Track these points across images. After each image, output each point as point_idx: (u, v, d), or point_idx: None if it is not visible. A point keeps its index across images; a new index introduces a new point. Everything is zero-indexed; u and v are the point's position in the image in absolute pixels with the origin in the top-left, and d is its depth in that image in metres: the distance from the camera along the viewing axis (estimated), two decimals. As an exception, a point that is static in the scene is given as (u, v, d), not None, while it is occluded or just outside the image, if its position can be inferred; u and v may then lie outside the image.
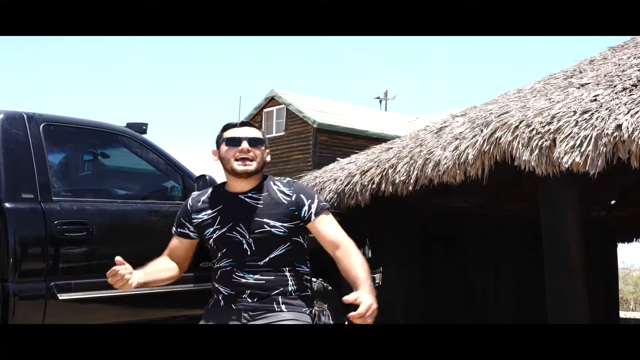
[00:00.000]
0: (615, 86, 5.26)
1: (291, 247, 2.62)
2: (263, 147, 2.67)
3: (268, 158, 2.71)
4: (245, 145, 2.61)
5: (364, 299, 2.41)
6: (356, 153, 7.65)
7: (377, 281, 4.96)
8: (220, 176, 3.26)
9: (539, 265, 6.06)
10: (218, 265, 2.66)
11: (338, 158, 8.15)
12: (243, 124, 2.69)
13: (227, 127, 2.69)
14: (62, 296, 3.52)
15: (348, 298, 2.43)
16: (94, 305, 3.71)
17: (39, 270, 3.50)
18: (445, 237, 8.31)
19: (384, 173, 6.28)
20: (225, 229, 2.61)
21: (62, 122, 3.92)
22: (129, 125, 4.27)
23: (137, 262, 3.84)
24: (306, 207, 2.62)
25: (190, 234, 2.74)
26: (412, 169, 5.92)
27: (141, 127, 4.29)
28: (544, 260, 5.62)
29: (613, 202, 8.95)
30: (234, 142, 2.63)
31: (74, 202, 3.72)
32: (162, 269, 2.69)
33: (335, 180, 7.01)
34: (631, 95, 4.94)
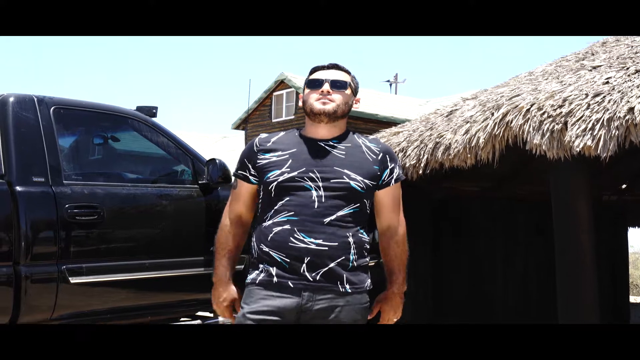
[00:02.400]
0: (627, 68, 5.21)
1: (359, 209, 2.41)
2: (348, 92, 2.47)
3: (356, 106, 2.53)
4: (326, 87, 2.43)
5: (384, 310, 2.52)
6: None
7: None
8: (232, 163, 3.22)
9: (548, 249, 6.04)
10: (272, 222, 2.36)
11: (348, 142, 8.12)
12: (331, 66, 2.52)
13: (313, 70, 2.53)
14: (74, 279, 3.53)
15: (371, 314, 2.51)
16: (106, 289, 3.74)
17: (50, 253, 3.51)
18: (455, 221, 8.30)
19: (393, 157, 6.26)
20: (295, 173, 2.35)
21: (72, 106, 3.92)
22: (139, 108, 4.27)
23: (148, 245, 3.89)
24: (388, 171, 2.48)
25: (251, 177, 2.47)
26: (422, 152, 5.89)
27: (151, 111, 4.28)
28: (554, 244, 5.60)
29: (624, 186, 8.89)
30: (316, 83, 2.46)
31: (84, 186, 3.73)
32: (237, 250, 2.55)
33: (344, 163, 6.98)
34: (644, 78, 4.89)
